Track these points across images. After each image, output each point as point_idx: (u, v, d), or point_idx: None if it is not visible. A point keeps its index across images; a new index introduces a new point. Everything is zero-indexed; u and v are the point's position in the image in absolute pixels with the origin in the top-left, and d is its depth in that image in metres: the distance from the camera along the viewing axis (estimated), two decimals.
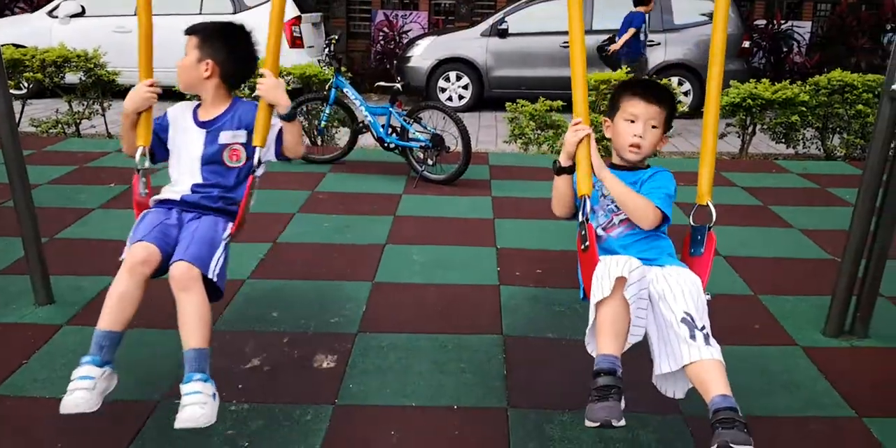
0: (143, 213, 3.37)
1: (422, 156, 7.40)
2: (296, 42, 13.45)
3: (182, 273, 3.03)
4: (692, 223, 3.16)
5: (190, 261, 3.06)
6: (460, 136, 7.19)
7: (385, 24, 17.81)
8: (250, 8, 13.15)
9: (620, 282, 2.74)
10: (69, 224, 5.58)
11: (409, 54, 14.07)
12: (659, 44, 13.29)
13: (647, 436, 3.32)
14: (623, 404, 2.65)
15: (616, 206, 3.14)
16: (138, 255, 3.08)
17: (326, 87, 7.95)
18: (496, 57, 13.61)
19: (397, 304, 4.60)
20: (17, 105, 9.55)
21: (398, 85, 7.54)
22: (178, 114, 3.52)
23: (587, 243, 2.92)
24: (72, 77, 9.77)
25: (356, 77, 12.21)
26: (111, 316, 3.00)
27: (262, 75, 3.35)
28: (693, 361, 2.71)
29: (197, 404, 2.85)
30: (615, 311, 2.76)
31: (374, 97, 12.88)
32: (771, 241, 5.91)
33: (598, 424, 2.59)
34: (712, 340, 2.76)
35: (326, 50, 7.90)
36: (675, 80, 12.47)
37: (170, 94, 4.36)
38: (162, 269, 3.16)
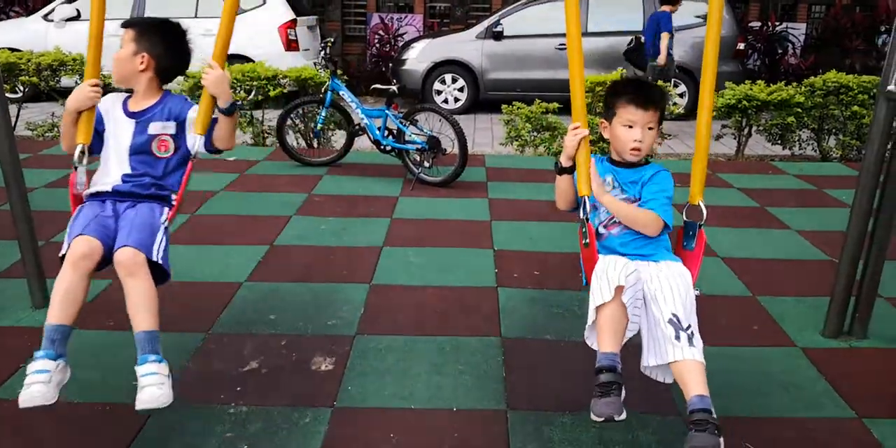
0: (78, 208, 3.43)
1: (418, 158, 7.39)
2: (291, 45, 13.46)
3: (128, 258, 3.10)
4: (685, 219, 3.34)
5: (134, 246, 3.13)
6: (457, 138, 7.18)
7: (380, 27, 17.80)
8: (246, 11, 13.13)
9: (619, 289, 2.96)
10: (65, 227, 5.52)
11: (404, 57, 14.06)
12: None
13: (647, 437, 3.32)
14: (623, 394, 2.92)
15: None
16: (80, 249, 3.12)
17: (322, 89, 7.94)
18: (492, 59, 13.60)
19: (395, 306, 4.59)
20: (12, 109, 9.56)
21: (394, 87, 7.53)
22: (109, 105, 3.55)
23: (587, 240, 3.15)
24: (67, 81, 9.76)
25: (352, 80, 12.20)
26: (59, 311, 3.05)
27: (210, 66, 3.38)
28: (676, 360, 2.93)
29: (154, 385, 2.95)
30: (614, 314, 2.98)
31: (370, 100, 12.88)
32: (768, 243, 5.92)
33: (602, 419, 2.85)
34: (696, 340, 2.95)
35: (322, 53, 7.91)
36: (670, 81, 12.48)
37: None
38: (104, 260, 3.20)
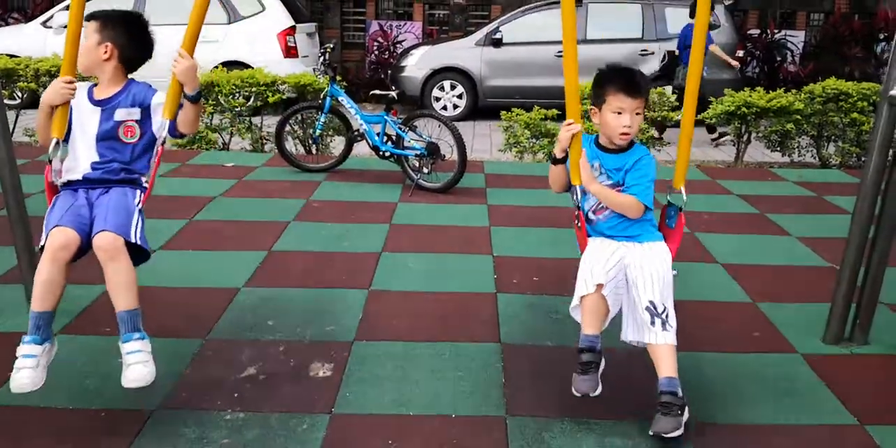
0: (53, 199, 3.51)
1: (417, 164, 7.37)
2: (290, 52, 13.45)
3: (108, 243, 3.23)
4: (669, 200, 3.69)
5: (112, 230, 3.26)
6: (455, 144, 7.17)
7: (379, 34, 17.80)
8: (245, 18, 13.13)
9: (600, 286, 3.35)
10: None
11: (403, 64, 14.07)
12: (653, 53, 13.28)
13: (649, 444, 3.30)
14: (603, 365, 3.42)
15: None
16: (57, 241, 3.22)
17: (321, 95, 7.93)
18: (490, 66, 13.61)
19: (394, 312, 4.57)
20: (11, 115, 9.57)
21: (393, 93, 7.53)
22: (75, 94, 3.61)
23: (579, 224, 3.63)
24: None
25: (351, 87, 12.20)
26: (41, 300, 3.22)
27: (180, 55, 3.47)
28: (651, 343, 3.35)
29: (140, 363, 3.18)
30: (594, 304, 3.38)
31: (369, 107, 12.87)
32: (769, 249, 5.90)
33: (581, 395, 3.35)
34: (670, 322, 3.34)
35: (321, 59, 7.88)
36: (668, 88, 12.44)
37: None
38: (81, 249, 3.32)
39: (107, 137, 3.55)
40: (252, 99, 9.43)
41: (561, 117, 3.72)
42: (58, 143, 3.50)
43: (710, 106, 9.37)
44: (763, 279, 5.22)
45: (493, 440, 3.32)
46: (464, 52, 13.76)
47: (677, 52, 11.75)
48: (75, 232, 3.26)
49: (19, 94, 10.07)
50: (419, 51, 14.18)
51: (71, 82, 3.48)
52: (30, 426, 3.32)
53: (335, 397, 3.61)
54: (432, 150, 7.17)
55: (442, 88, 13.72)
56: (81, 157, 3.56)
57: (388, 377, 3.81)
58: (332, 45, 8.05)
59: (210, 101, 9.24)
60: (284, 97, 9.47)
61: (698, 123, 10.83)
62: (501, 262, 5.46)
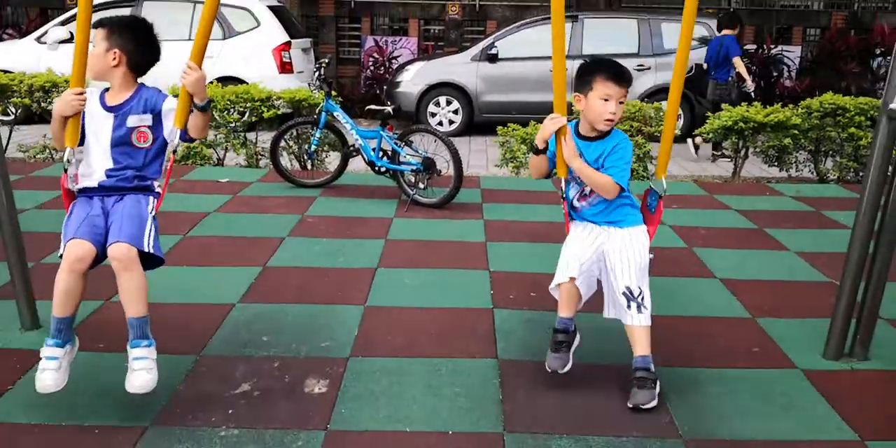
0: (70, 206, 3.66)
1: (413, 179, 7.35)
2: (285, 67, 13.45)
3: (122, 254, 3.37)
4: (651, 186, 4.01)
5: (127, 241, 3.40)
6: (451, 159, 7.15)
7: (375, 50, 17.82)
8: (240, 33, 13.14)
9: (573, 278, 3.69)
10: (56, 249, 5.48)
11: (398, 79, 14.08)
12: (650, 68, 13.31)
13: None
14: (578, 341, 3.91)
15: None
16: (74, 253, 3.39)
17: (317, 111, 7.92)
18: (486, 82, 13.62)
19: (390, 328, 4.53)
20: (4, 130, 9.55)
21: (389, 109, 7.51)
22: (87, 100, 3.65)
23: (564, 212, 4.00)
24: None
25: (346, 103, 12.21)
26: (62, 307, 3.41)
27: (189, 67, 3.56)
28: (627, 324, 3.71)
29: (145, 370, 3.35)
30: (569, 292, 3.75)
31: (365, 122, 12.87)
32: (767, 264, 5.87)
33: (551, 371, 3.74)
34: (644, 304, 3.67)
35: (316, 74, 7.87)
36: (664, 103, 12.44)
37: None
38: (97, 258, 3.47)
39: (121, 143, 3.64)
40: (247, 114, 9.41)
41: (557, 132, 3.73)
42: (72, 153, 3.59)
43: (707, 121, 9.37)
44: (762, 294, 5.19)
45: None
46: (459, 67, 13.77)
47: (705, 66, 11.44)
48: (91, 244, 3.41)
49: (13, 110, 10.04)
50: (415, 66, 14.19)
51: (81, 93, 3.53)
52: (22, 444, 3.27)
53: (330, 414, 3.57)
54: (428, 166, 7.15)
55: (438, 104, 13.72)
56: (96, 164, 3.66)
57: (384, 393, 3.77)
58: (326, 61, 8.04)
59: None
60: (279, 113, 9.46)
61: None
62: (498, 277, 5.42)
